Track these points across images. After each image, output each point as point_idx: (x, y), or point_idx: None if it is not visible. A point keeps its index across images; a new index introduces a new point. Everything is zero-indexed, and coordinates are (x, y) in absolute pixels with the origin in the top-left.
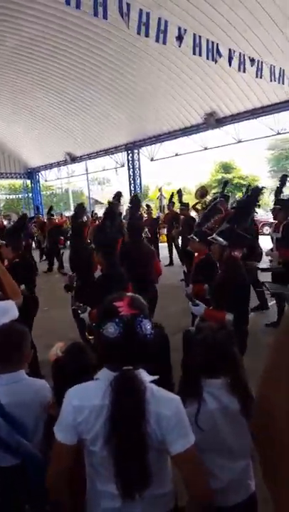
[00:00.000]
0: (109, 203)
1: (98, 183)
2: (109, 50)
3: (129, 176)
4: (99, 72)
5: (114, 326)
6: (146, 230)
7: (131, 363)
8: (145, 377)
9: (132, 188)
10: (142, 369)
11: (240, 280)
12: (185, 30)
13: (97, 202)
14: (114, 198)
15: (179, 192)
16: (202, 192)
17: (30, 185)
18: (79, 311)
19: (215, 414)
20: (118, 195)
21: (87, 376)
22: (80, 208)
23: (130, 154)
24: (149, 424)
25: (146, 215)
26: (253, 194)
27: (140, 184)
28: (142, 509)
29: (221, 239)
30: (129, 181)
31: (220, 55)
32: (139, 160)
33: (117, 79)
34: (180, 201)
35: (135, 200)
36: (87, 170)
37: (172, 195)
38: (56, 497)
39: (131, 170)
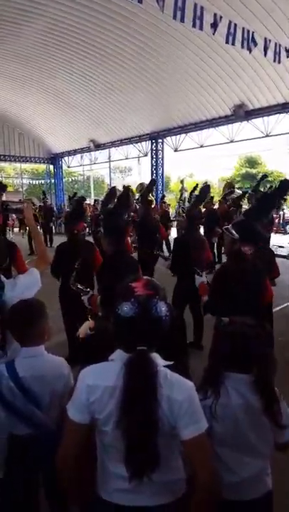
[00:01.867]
0: (124, 187)
1: (120, 172)
2: (138, 36)
3: (152, 165)
4: (127, 58)
5: (130, 305)
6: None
7: (145, 343)
8: (159, 360)
9: (154, 178)
10: (156, 353)
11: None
12: (221, 17)
13: (118, 190)
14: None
15: (195, 187)
16: (228, 188)
17: (52, 171)
18: (81, 294)
19: (237, 409)
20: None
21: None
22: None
23: (154, 144)
24: (161, 407)
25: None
26: (280, 187)
27: (162, 174)
28: (151, 493)
29: (233, 231)
30: (151, 171)
31: (255, 44)
32: (162, 150)
33: (146, 66)
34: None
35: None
36: (110, 157)
37: (194, 188)
38: (65, 475)
39: (154, 159)
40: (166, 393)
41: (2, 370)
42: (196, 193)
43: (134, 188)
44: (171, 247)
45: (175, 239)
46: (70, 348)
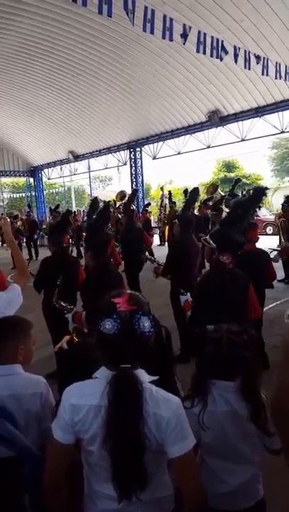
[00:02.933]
0: (105, 203)
1: (100, 181)
2: (111, 48)
3: (131, 174)
4: (101, 70)
5: (112, 322)
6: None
7: (129, 361)
8: (144, 377)
9: (134, 186)
10: (141, 369)
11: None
12: (190, 27)
13: (100, 200)
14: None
15: (185, 192)
16: (213, 189)
17: (33, 184)
18: (64, 311)
19: (222, 417)
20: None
21: (89, 371)
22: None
23: (132, 152)
24: (147, 425)
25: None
26: (254, 194)
27: (142, 182)
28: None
29: (211, 241)
30: (131, 179)
31: (225, 52)
32: (141, 158)
33: (120, 77)
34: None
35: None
36: (89, 168)
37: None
38: (53, 497)
39: (133, 168)
40: (152, 410)
41: None
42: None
43: (113, 196)
44: (154, 254)
45: (172, 243)
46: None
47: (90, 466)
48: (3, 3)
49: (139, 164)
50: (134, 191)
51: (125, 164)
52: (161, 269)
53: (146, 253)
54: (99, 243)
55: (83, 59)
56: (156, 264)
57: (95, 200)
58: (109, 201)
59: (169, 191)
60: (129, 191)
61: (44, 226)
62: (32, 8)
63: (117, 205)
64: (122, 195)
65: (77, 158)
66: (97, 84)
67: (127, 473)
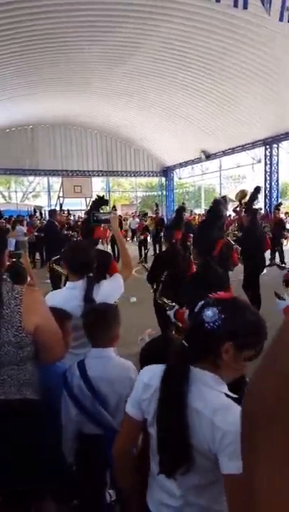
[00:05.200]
0: (215, 199)
1: (233, 180)
2: (252, 43)
3: (266, 172)
4: (238, 65)
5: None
6: None
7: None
8: (211, 381)
9: (268, 186)
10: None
11: None
12: None
13: (229, 199)
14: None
15: None
16: (242, 195)
17: (164, 183)
18: (166, 308)
19: None
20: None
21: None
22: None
23: (268, 149)
24: (200, 427)
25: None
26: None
27: (277, 181)
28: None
29: None
30: (265, 178)
31: None
32: (278, 155)
33: (257, 71)
34: None
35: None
36: (220, 167)
37: None
38: (120, 471)
39: (268, 166)
40: (209, 416)
41: (74, 369)
42: None
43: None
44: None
45: None
46: None
47: (152, 451)
48: (141, 9)
49: (275, 161)
50: (257, 189)
51: (259, 162)
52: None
53: (277, 258)
54: (207, 241)
55: (216, 54)
56: (285, 270)
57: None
58: (224, 198)
59: None
60: (262, 190)
61: None
62: (174, 11)
63: (235, 207)
64: (242, 194)
65: (208, 157)
66: (229, 80)
67: (169, 451)
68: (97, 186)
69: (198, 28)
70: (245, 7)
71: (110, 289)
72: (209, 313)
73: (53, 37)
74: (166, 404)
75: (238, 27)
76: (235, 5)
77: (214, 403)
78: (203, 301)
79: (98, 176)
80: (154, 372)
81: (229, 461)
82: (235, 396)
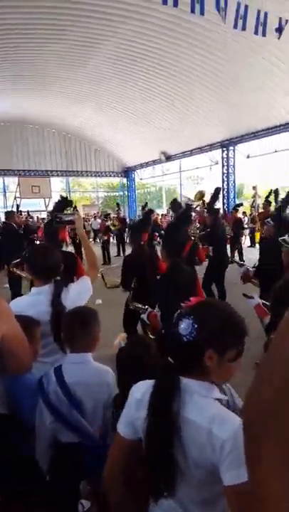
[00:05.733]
0: (186, 204)
1: (191, 180)
2: (205, 46)
3: (223, 173)
4: (195, 69)
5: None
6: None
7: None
8: (204, 389)
9: (226, 186)
10: (206, 382)
11: None
12: (286, 20)
13: (189, 199)
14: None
15: (276, 192)
16: (200, 196)
17: (126, 184)
18: (140, 312)
19: None
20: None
21: (146, 370)
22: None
23: (225, 151)
24: (200, 439)
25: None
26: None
27: (234, 182)
28: None
29: None
30: (222, 179)
31: None
32: (234, 157)
33: (216, 75)
34: (276, 201)
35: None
36: (180, 168)
37: (269, 194)
38: (110, 494)
39: (225, 167)
40: (206, 426)
41: (50, 375)
42: (271, 199)
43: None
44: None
45: (264, 242)
46: None
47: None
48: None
49: (231, 163)
50: (217, 190)
51: (217, 163)
52: (251, 273)
53: (236, 256)
54: (175, 243)
55: (177, 60)
56: (245, 269)
57: (174, 201)
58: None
59: (276, 189)
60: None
61: None
62: (132, 14)
63: (195, 206)
64: (200, 195)
65: (168, 158)
66: (190, 84)
67: (158, 471)
68: (57, 186)
69: (155, 32)
70: (202, 13)
71: (79, 292)
72: (183, 326)
73: (9, 33)
74: (158, 418)
75: (193, 31)
76: (193, 11)
77: (210, 412)
78: (177, 313)
79: (57, 175)
80: (146, 388)
81: (229, 471)
82: (224, 397)
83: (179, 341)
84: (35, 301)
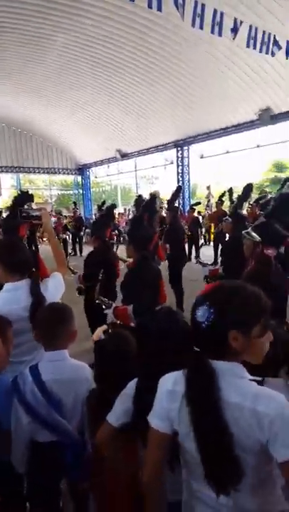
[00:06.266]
0: (151, 195)
1: (147, 180)
2: (158, 44)
3: (178, 173)
4: (148, 67)
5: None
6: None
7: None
8: (236, 370)
9: (180, 185)
10: (236, 363)
11: (272, 280)
12: (241, 21)
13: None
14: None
15: (230, 191)
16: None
17: (80, 182)
18: (103, 306)
19: None
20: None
21: (127, 362)
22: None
23: (180, 151)
24: (244, 419)
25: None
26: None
27: (188, 182)
28: None
29: (254, 234)
30: (177, 179)
31: (279, 48)
32: (188, 157)
33: (169, 75)
34: (230, 199)
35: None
36: (136, 167)
37: (222, 194)
38: (148, 492)
39: (180, 167)
40: (250, 405)
41: (26, 374)
42: (225, 198)
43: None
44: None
45: (226, 241)
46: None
47: (186, 464)
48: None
49: (186, 163)
50: (179, 188)
51: (172, 163)
52: (219, 270)
53: (200, 256)
54: (141, 237)
55: (132, 57)
56: (208, 268)
57: (139, 197)
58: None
59: (230, 188)
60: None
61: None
62: (88, 7)
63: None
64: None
65: (124, 156)
66: (143, 82)
67: (217, 467)
68: (7, 183)
69: (112, 27)
70: (159, 9)
71: (55, 288)
72: (200, 313)
73: None
74: (201, 408)
75: (149, 29)
76: (150, 6)
77: (251, 391)
78: (194, 302)
79: (6, 172)
80: (175, 378)
81: (282, 447)
82: (259, 379)
83: (198, 329)
84: (11, 297)
